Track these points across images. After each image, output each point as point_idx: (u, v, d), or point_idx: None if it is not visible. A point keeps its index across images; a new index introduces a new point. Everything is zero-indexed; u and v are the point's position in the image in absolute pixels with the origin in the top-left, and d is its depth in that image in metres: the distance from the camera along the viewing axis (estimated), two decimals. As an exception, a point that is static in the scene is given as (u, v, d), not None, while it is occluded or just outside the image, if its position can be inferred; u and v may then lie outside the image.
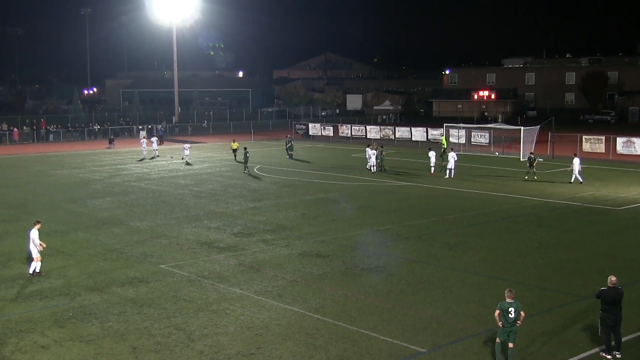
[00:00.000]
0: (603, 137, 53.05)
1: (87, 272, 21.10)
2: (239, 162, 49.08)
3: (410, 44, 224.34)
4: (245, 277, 20.53)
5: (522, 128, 53.54)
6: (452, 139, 58.31)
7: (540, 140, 53.61)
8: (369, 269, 21.42)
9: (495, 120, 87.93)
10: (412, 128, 66.86)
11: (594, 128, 79.08)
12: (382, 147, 47.47)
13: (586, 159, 47.48)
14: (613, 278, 14.80)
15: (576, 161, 38.75)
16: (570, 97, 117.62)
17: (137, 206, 32.44)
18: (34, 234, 20.66)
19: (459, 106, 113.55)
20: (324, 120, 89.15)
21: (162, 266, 21.73)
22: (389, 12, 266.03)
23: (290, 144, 54.18)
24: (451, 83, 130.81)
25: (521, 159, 49.41)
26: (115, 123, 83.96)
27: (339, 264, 21.86)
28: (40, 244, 20.65)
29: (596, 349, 14.94)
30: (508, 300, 14.16)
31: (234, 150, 52.61)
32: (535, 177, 40.41)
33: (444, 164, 42.73)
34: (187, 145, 52.69)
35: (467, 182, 39.58)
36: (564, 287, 19.54)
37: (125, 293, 19.00)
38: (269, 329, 16.25)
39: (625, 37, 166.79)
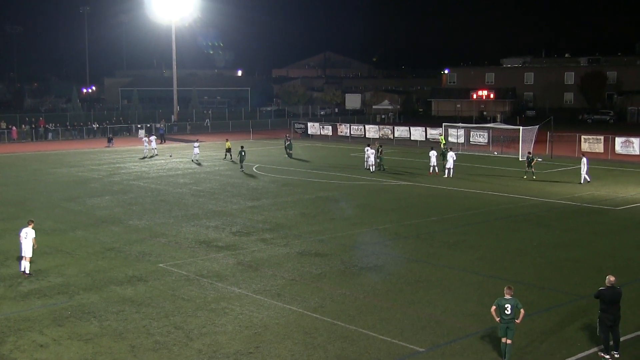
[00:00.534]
0: (602, 137, 53.04)
1: (85, 270, 21.09)
2: (232, 161, 49.36)
3: (410, 43, 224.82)
4: (244, 276, 20.52)
5: (521, 128, 53.62)
6: (451, 139, 58.37)
7: (539, 140, 53.59)
8: (367, 268, 21.42)
9: (494, 120, 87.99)
10: (411, 127, 66.89)
11: (593, 128, 79.09)
12: (380, 146, 47.44)
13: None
14: (611, 278, 14.82)
15: (584, 161, 38.80)
16: (569, 96, 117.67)
17: (135, 205, 32.42)
18: (31, 233, 20.58)
19: (458, 106, 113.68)
20: (322, 120, 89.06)
21: (160, 265, 21.72)
22: (389, 12, 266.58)
23: (289, 142, 54.21)
24: (450, 82, 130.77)
25: (520, 159, 49.44)
26: (115, 122, 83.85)
27: (338, 263, 21.86)
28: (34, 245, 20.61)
29: (594, 349, 14.94)
30: (507, 296, 14.24)
31: (228, 150, 52.50)
32: (534, 177, 40.44)
33: (445, 163, 42.71)
34: (196, 144, 51.15)
35: (466, 182, 39.59)
36: (563, 286, 19.56)
37: (123, 292, 18.99)
38: (267, 328, 16.25)
39: (624, 37, 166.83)
